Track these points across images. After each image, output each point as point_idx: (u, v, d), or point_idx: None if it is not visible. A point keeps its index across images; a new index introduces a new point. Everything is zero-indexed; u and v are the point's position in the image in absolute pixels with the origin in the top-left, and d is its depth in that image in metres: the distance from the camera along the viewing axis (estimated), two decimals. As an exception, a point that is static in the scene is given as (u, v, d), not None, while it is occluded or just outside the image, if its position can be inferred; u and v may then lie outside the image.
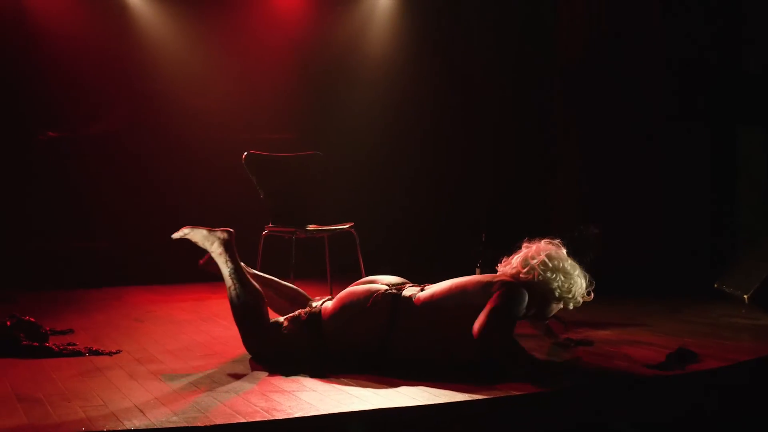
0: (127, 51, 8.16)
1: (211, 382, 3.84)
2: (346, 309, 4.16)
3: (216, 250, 4.40)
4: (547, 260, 4.10)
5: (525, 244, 4.25)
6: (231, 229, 4.45)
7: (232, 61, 8.46)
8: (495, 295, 3.99)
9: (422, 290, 4.20)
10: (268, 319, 4.28)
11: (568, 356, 4.38)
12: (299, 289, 4.68)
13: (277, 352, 4.20)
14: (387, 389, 3.68)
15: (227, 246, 4.40)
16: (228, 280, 4.32)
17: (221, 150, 7.64)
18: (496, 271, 4.27)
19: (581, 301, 4.20)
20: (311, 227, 5.71)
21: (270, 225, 5.72)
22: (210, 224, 7.55)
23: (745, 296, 6.00)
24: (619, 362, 4.22)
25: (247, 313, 4.26)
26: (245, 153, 5.74)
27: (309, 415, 3.29)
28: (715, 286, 6.32)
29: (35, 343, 4.46)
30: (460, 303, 4.06)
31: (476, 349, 3.98)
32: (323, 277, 6.09)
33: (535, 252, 4.15)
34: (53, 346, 4.45)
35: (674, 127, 7.11)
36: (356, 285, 4.35)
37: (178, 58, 8.24)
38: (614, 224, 6.81)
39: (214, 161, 7.83)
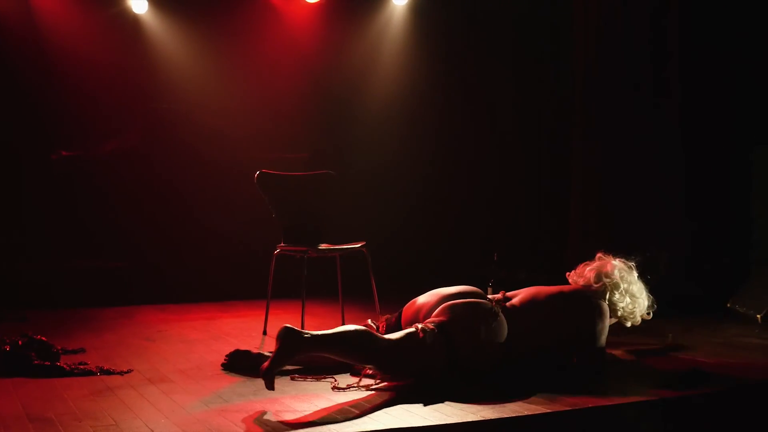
0: (141, 70, 8.22)
1: (222, 402, 3.84)
2: (472, 322, 4.08)
3: None
4: (619, 281, 4.34)
5: (599, 256, 4.45)
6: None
7: (246, 80, 8.51)
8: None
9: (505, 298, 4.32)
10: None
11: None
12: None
13: (419, 373, 4.04)
14: (399, 409, 3.67)
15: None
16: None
17: (234, 169, 7.66)
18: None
19: (640, 320, 4.48)
20: (323, 246, 5.71)
21: (282, 244, 5.73)
22: (221, 242, 7.61)
23: (758, 316, 5.99)
24: (630, 382, 4.21)
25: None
26: (258, 172, 5.75)
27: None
28: (728, 305, 6.30)
29: (47, 363, 4.47)
30: (549, 312, 4.24)
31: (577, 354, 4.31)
32: (335, 296, 6.09)
33: (610, 269, 4.36)
34: (64, 366, 4.46)
35: (688, 142, 7.04)
36: (439, 298, 4.27)
37: (191, 78, 8.29)
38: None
39: (227, 180, 7.85)
